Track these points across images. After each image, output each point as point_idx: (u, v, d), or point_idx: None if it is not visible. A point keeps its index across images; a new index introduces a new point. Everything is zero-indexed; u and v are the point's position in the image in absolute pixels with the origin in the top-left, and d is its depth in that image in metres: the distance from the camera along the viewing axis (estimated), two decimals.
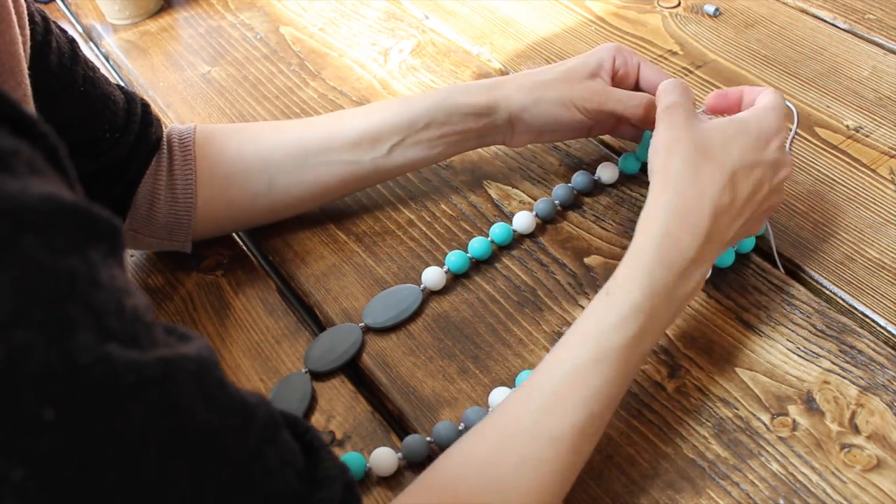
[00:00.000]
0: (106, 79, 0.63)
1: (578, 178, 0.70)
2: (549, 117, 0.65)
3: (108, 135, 0.61)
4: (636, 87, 0.68)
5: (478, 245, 0.66)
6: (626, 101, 0.64)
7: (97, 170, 0.62)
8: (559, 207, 0.69)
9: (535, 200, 0.69)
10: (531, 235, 0.68)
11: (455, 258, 0.65)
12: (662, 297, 0.49)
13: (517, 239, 0.68)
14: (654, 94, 0.64)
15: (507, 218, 0.69)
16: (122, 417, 0.29)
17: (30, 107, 0.52)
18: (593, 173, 0.70)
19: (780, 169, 0.56)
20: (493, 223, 0.68)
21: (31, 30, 0.55)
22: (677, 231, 0.50)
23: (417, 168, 0.70)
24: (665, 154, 0.53)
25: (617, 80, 0.67)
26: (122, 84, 0.66)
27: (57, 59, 0.58)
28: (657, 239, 0.50)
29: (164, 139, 0.67)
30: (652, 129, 0.58)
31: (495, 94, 0.65)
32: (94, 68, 0.62)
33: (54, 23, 0.60)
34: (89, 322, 0.28)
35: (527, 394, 0.47)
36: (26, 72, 0.52)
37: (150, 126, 0.65)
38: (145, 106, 0.66)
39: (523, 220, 0.67)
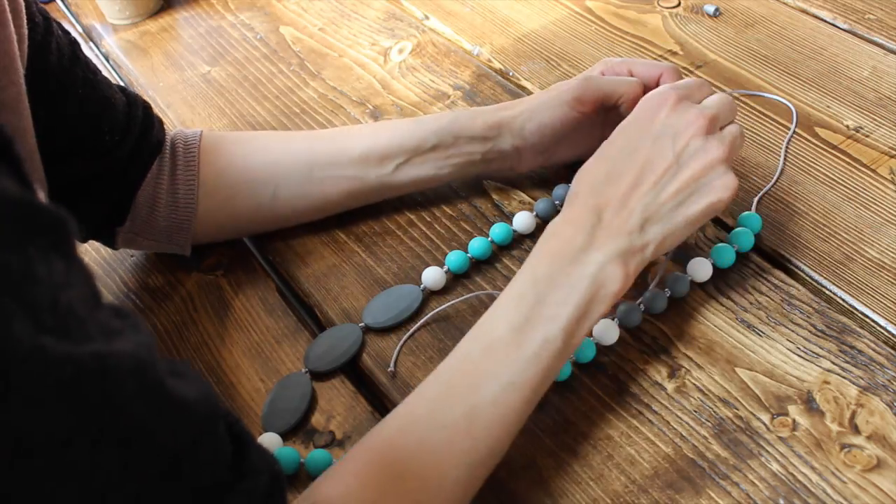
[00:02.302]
0: (107, 81, 0.63)
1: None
2: (548, 123, 0.66)
3: (109, 137, 0.61)
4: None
5: (478, 245, 0.66)
6: (620, 82, 0.64)
7: (98, 171, 0.62)
8: (559, 207, 0.69)
9: (535, 200, 0.70)
10: (531, 235, 0.68)
11: (455, 258, 0.65)
12: (546, 284, 0.50)
13: (517, 239, 0.68)
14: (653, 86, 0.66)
15: (507, 218, 0.69)
16: (54, 408, 0.29)
17: (23, 106, 0.52)
18: None
19: (680, 131, 0.54)
20: (493, 223, 0.68)
21: (31, 29, 0.55)
22: (559, 226, 0.53)
23: (422, 188, 0.71)
24: None
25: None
26: (123, 85, 0.66)
27: (56, 60, 0.58)
28: (544, 237, 0.54)
29: (168, 142, 0.66)
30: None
31: (502, 115, 0.66)
32: (94, 70, 0.62)
33: (56, 23, 0.60)
34: (23, 315, 0.28)
35: (425, 385, 0.49)
36: (21, 71, 0.51)
37: (151, 128, 0.65)
38: (147, 108, 0.65)
39: (523, 221, 0.67)
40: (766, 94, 0.77)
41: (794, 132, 0.74)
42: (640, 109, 0.56)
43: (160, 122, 0.67)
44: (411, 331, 0.62)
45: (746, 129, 0.75)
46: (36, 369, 0.28)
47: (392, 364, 0.60)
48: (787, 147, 0.71)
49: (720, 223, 0.67)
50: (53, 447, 0.29)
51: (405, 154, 0.67)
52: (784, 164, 0.71)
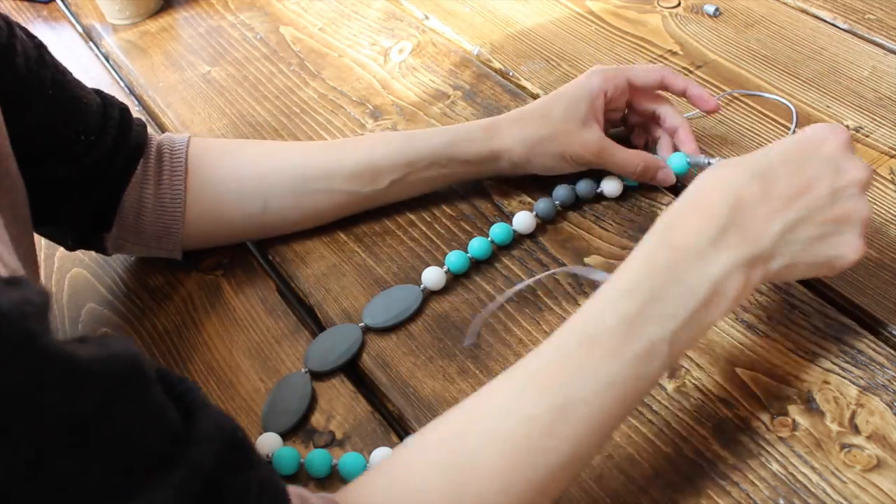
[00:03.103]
0: (78, 82, 0.62)
1: (582, 185, 0.70)
2: (548, 168, 0.68)
3: (83, 137, 0.60)
4: (629, 104, 0.70)
5: (478, 245, 0.66)
6: (624, 166, 0.67)
7: (74, 175, 0.61)
8: (559, 207, 0.69)
9: (535, 200, 0.69)
10: (531, 235, 0.68)
11: (455, 258, 0.65)
12: (665, 278, 0.45)
13: (517, 239, 0.68)
14: (650, 98, 0.68)
15: (507, 218, 0.69)
16: None
17: None
18: (597, 182, 0.70)
19: (843, 172, 0.50)
20: (493, 223, 0.68)
21: None
22: (686, 215, 0.48)
23: (415, 196, 0.71)
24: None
25: (610, 107, 0.68)
26: (98, 88, 0.65)
27: (23, 62, 0.57)
28: (663, 223, 0.48)
29: (154, 147, 0.66)
30: (649, 183, 0.68)
31: (496, 145, 0.66)
32: (63, 72, 0.61)
33: (19, 27, 0.58)
34: None
35: (506, 375, 0.45)
36: None
37: (128, 130, 0.64)
38: (124, 110, 0.65)
39: (523, 220, 0.67)
40: (765, 94, 0.77)
41: (794, 132, 0.74)
42: (810, 132, 0.52)
43: (142, 126, 0.66)
44: (501, 299, 0.63)
45: (746, 129, 0.75)
46: None
47: (473, 337, 0.61)
48: None
49: None
50: None
51: (398, 171, 0.67)
52: None
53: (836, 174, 0.50)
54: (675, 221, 0.48)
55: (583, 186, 0.69)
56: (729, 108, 0.78)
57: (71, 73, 0.62)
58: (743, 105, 0.77)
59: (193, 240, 0.67)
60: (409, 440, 0.46)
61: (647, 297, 0.45)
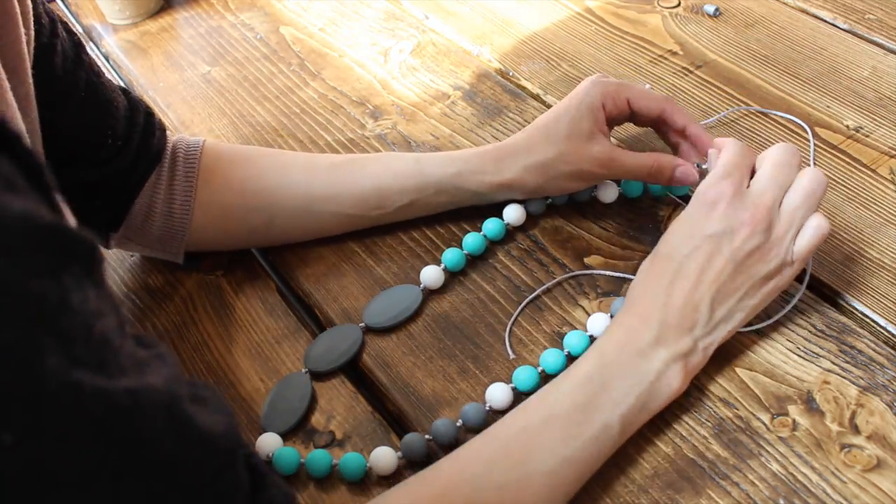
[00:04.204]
0: (110, 83, 0.62)
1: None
2: (563, 188, 0.66)
3: (111, 141, 0.61)
4: (630, 116, 0.66)
5: (472, 240, 0.66)
6: (637, 170, 0.64)
7: (99, 179, 0.61)
8: (549, 201, 0.69)
9: None
10: (522, 228, 0.68)
11: (451, 255, 0.65)
12: (615, 371, 0.51)
13: (512, 234, 0.68)
14: (651, 119, 0.65)
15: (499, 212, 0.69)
16: (84, 443, 0.28)
17: (31, 107, 0.52)
18: (592, 189, 0.69)
19: (735, 230, 0.54)
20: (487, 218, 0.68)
21: (37, 31, 0.55)
22: (629, 317, 0.54)
23: (424, 216, 0.70)
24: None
25: (610, 121, 0.65)
26: (125, 87, 0.64)
27: (61, 63, 0.57)
28: (612, 325, 0.55)
29: (169, 150, 0.66)
30: (660, 185, 0.66)
31: (506, 177, 0.65)
32: (98, 73, 0.61)
33: (62, 24, 0.59)
34: (57, 348, 0.28)
35: (480, 443, 0.50)
36: (30, 71, 0.51)
37: (151, 137, 0.64)
38: (149, 115, 0.65)
39: (513, 213, 0.67)
40: (780, 114, 0.76)
41: (815, 145, 0.74)
42: (696, 205, 0.56)
43: (162, 130, 0.66)
44: (530, 298, 0.62)
45: (756, 134, 0.75)
46: (69, 405, 0.28)
47: (509, 349, 0.61)
48: (812, 163, 0.71)
49: None
50: (79, 481, 0.29)
51: (406, 197, 0.66)
52: None
53: (730, 236, 0.54)
54: (621, 324, 0.54)
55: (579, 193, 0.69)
56: (728, 108, 0.77)
57: (104, 74, 0.62)
58: (741, 104, 0.77)
59: (198, 244, 0.68)
60: (390, 493, 0.48)
61: (599, 387, 0.51)
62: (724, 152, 0.57)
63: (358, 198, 0.66)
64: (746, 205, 0.54)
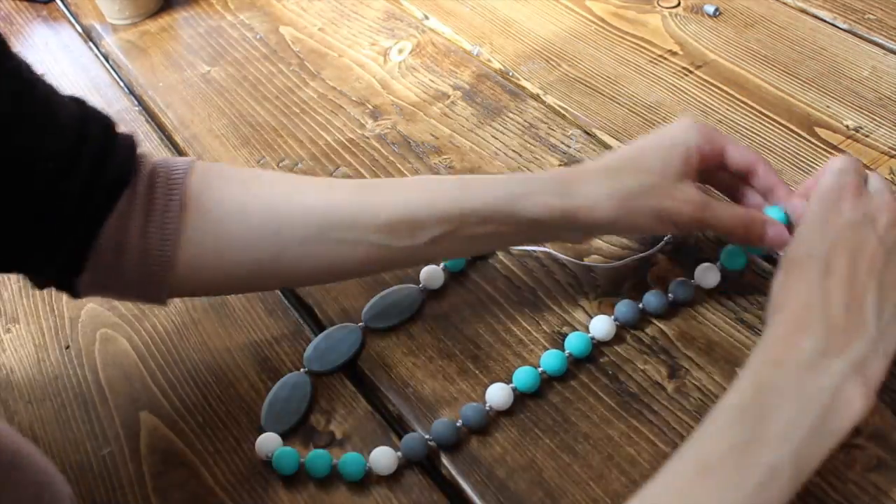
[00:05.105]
0: (51, 91, 0.50)
1: (650, 299, 0.60)
2: (635, 228, 0.57)
3: (48, 164, 0.47)
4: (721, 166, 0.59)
5: None
6: (732, 225, 0.55)
7: (38, 212, 0.48)
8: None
9: None
10: None
11: None
12: (775, 396, 0.43)
13: None
14: (739, 173, 0.58)
15: None
16: None
17: None
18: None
19: (875, 220, 0.50)
20: None
21: None
22: (778, 326, 0.47)
23: (462, 257, 0.62)
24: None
25: (701, 168, 0.57)
26: (79, 97, 0.52)
27: None
28: (760, 341, 0.47)
29: (146, 171, 0.52)
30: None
31: (576, 202, 0.54)
32: (29, 80, 0.48)
33: None
34: None
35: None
36: None
37: (111, 156, 0.50)
38: (108, 128, 0.51)
39: None
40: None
41: (815, 145, 0.74)
42: (820, 203, 0.52)
43: (131, 148, 0.52)
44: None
45: (745, 128, 0.75)
46: None
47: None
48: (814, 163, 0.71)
49: None
50: None
51: (443, 225, 0.54)
52: None
53: (872, 223, 0.49)
54: (772, 339, 0.46)
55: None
56: (728, 108, 0.78)
57: (42, 82, 0.49)
58: (741, 104, 0.77)
59: (187, 288, 0.56)
60: None
61: (757, 418, 0.42)
62: (826, 172, 0.54)
63: (384, 224, 0.53)
64: (872, 195, 0.51)
